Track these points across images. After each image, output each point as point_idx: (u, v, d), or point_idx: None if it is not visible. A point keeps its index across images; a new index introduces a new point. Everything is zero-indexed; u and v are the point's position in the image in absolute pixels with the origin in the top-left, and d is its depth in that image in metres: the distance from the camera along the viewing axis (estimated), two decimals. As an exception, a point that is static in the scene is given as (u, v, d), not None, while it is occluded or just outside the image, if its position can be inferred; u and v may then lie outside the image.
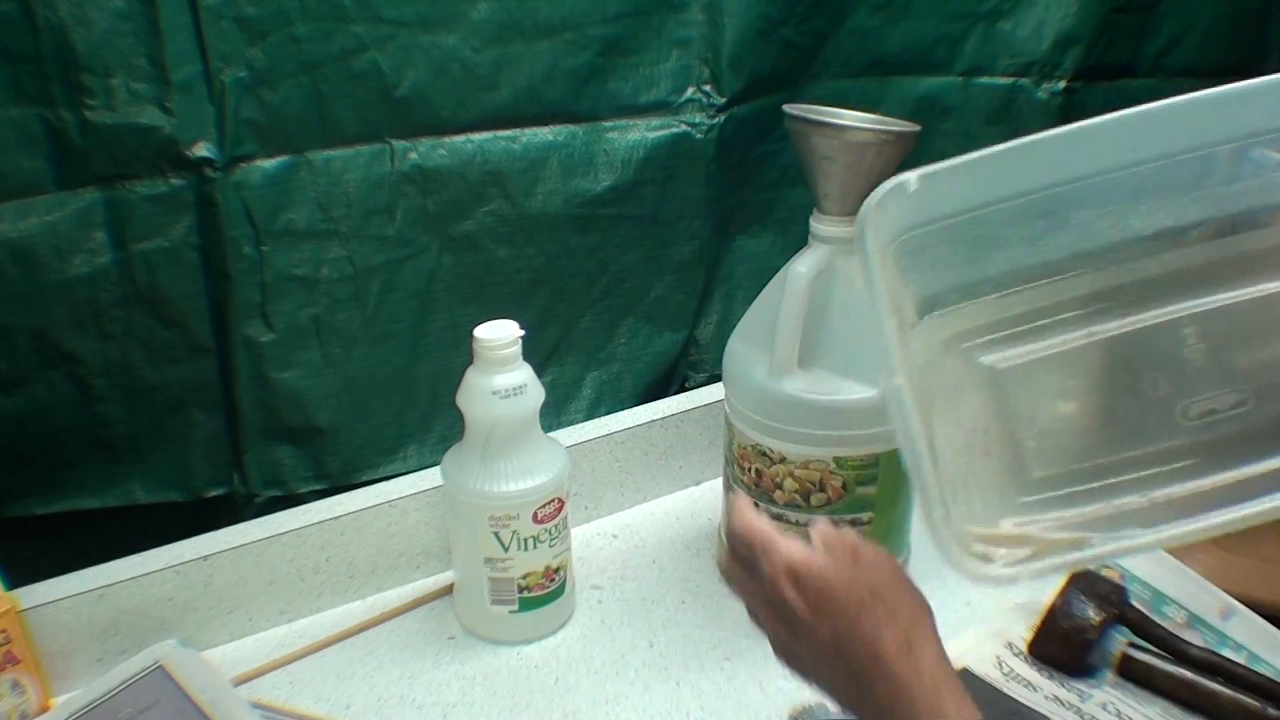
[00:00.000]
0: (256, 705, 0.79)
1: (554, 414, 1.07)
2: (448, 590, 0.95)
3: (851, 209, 0.80)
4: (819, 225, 0.84)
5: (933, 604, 0.92)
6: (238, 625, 0.89)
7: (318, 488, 0.98)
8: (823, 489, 0.86)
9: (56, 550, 0.86)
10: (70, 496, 0.91)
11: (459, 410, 0.84)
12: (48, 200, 0.82)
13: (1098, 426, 0.63)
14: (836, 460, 0.85)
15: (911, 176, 0.57)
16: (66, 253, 0.84)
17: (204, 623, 0.87)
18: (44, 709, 0.79)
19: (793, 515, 0.87)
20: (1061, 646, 0.81)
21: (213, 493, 0.95)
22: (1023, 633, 0.86)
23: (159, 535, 0.88)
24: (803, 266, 0.82)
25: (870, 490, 0.87)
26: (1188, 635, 0.84)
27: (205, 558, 0.86)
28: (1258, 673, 0.80)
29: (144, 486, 0.93)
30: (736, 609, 0.94)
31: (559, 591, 0.91)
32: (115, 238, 0.85)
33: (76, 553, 0.85)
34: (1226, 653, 0.83)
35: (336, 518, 0.92)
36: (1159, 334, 0.60)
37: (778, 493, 0.87)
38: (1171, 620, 0.87)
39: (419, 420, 1.02)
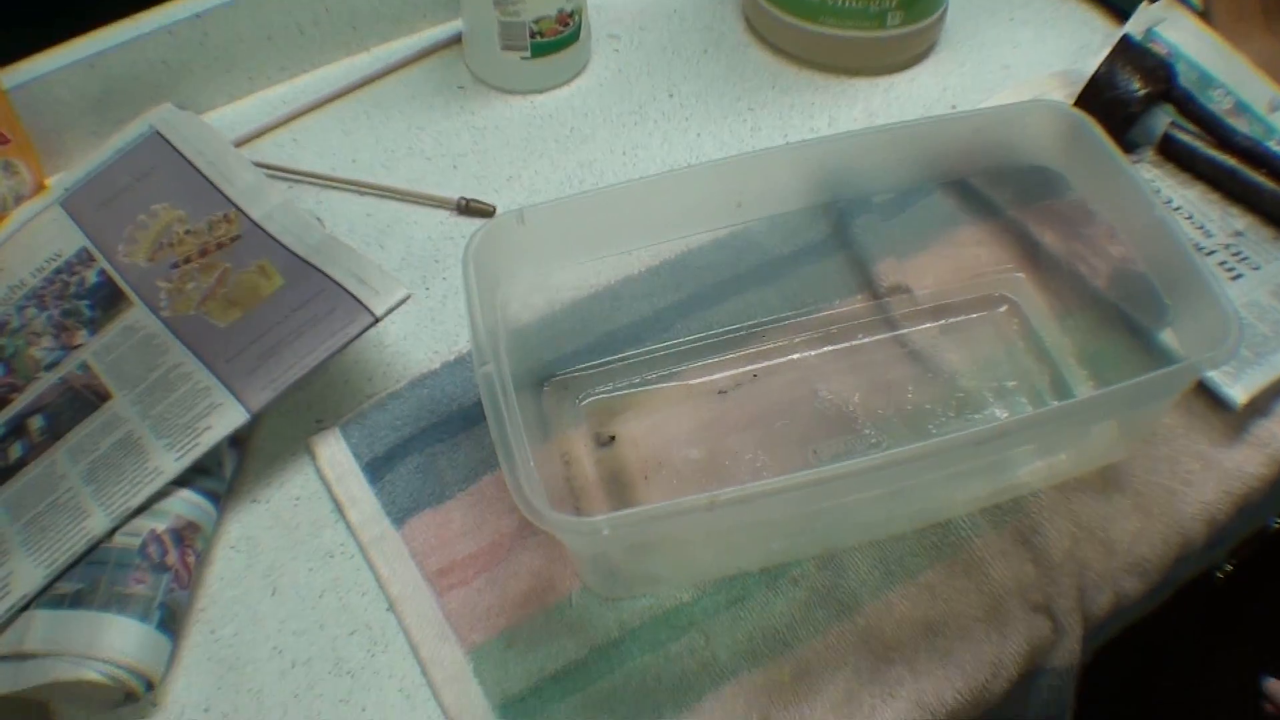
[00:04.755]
0: (259, 166, 0.77)
1: None
2: (456, 41, 0.90)
3: None
4: None
5: (967, 65, 0.89)
6: (237, 85, 0.86)
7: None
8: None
9: (43, 34, 0.81)
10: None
11: None
12: None
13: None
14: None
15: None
16: None
17: (201, 85, 0.84)
18: (39, 189, 0.78)
19: None
20: (1103, 117, 0.75)
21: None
22: (1061, 100, 0.80)
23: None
24: None
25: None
26: (1234, 122, 0.78)
27: (198, 15, 0.81)
28: (1301, 170, 0.75)
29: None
30: (761, 59, 0.90)
31: (573, 37, 0.86)
32: None
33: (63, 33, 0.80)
34: (1272, 145, 0.77)
35: (334, -39, 0.86)
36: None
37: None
38: (1218, 105, 0.80)
39: None
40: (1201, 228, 0.75)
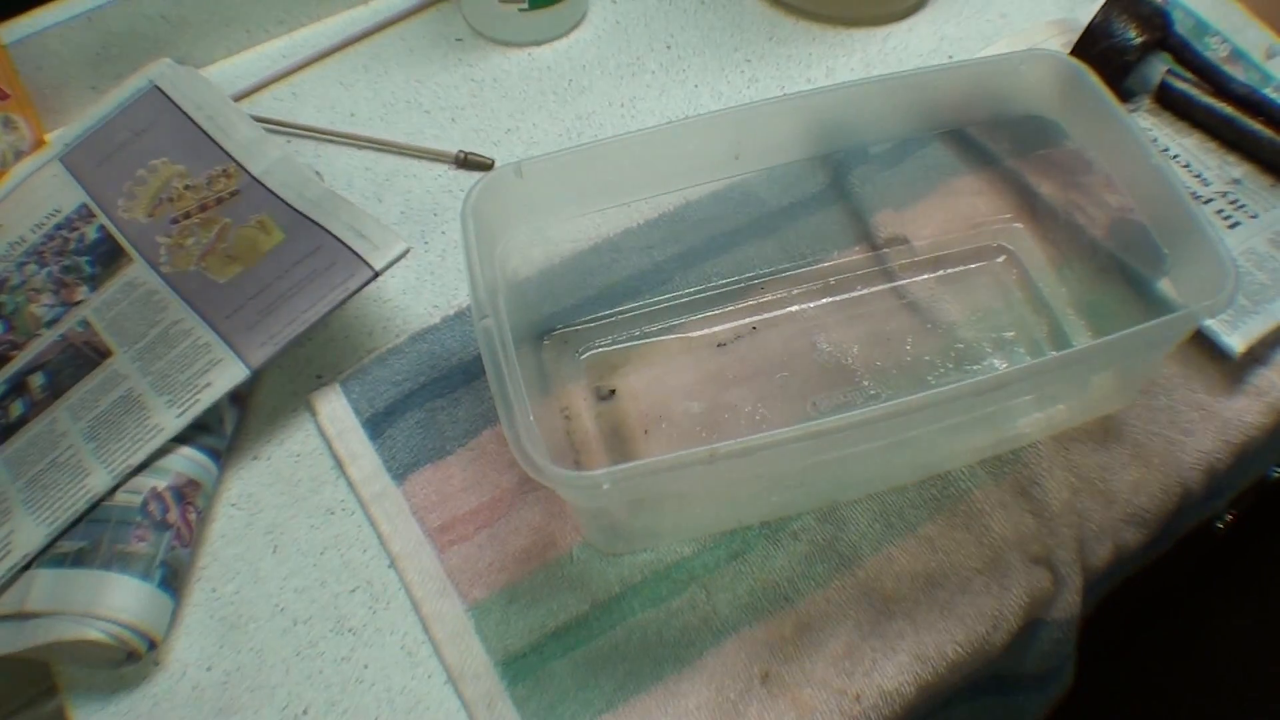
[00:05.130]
0: (258, 120, 0.76)
1: None
2: (454, -9, 0.90)
3: None
4: None
5: (964, 14, 0.88)
6: (235, 39, 0.85)
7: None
8: None
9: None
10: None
11: None
12: None
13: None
14: None
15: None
16: None
17: (199, 39, 0.83)
18: (38, 144, 0.77)
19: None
20: (1099, 65, 0.74)
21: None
22: (1058, 49, 0.79)
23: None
24: None
25: None
26: (1230, 70, 0.77)
27: (194, -32, 0.81)
28: (1298, 117, 0.74)
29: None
30: (758, 10, 0.89)
31: (571, -12, 0.85)
32: None
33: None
34: (1268, 93, 0.76)
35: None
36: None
37: None
38: (1214, 52, 0.79)
39: None
40: (1199, 176, 0.74)
